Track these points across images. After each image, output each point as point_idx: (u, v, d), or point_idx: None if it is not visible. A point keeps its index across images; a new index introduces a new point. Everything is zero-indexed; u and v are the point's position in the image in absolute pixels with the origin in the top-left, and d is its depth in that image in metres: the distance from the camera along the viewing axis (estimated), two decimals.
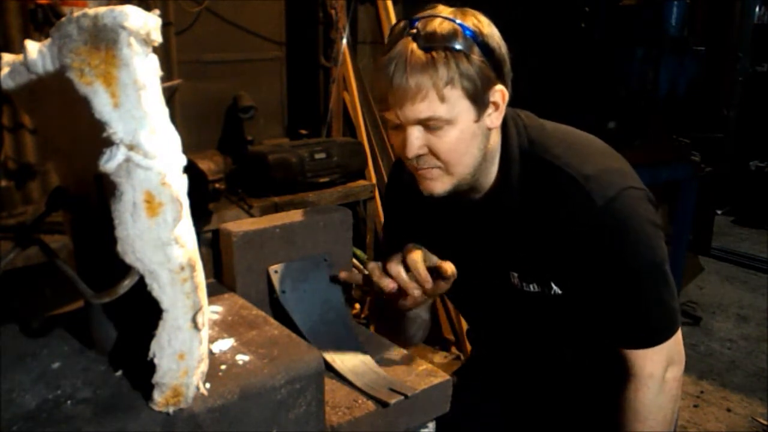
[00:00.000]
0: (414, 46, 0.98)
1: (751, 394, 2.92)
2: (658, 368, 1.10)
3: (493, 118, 1.07)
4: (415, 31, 1.00)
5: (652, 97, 3.57)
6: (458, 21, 1.00)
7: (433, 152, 1.04)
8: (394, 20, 3.16)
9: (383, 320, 1.32)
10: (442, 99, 0.99)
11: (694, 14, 3.86)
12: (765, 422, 2.71)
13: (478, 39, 1.01)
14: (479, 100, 1.02)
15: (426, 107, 0.99)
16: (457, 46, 0.98)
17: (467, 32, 1.00)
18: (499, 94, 1.05)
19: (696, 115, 4.06)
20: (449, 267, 1.03)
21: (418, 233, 1.25)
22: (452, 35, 0.99)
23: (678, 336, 1.13)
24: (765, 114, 5.15)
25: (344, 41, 3.02)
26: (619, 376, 1.14)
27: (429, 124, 1.01)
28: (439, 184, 1.08)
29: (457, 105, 1.00)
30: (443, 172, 1.07)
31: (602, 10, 3.87)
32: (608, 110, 3.66)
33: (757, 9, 4.98)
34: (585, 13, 3.99)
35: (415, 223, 1.27)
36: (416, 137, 1.03)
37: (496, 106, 1.06)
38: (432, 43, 0.98)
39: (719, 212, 5.16)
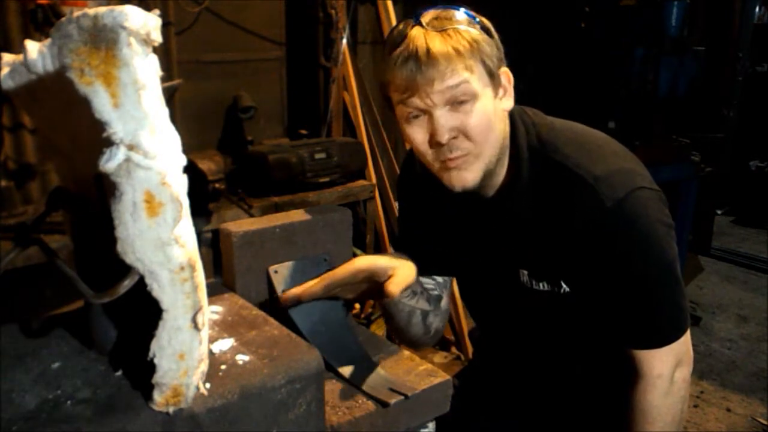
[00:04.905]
0: (427, 31, 1.02)
1: (751, 394, 2.92)
2: (667, 369, 1.10)
3: (505, 102, 1.09)
4: (424, 20, 1.03)
5: (652, 97, 3.57)
6: (456, 6, 1.05)
7: (463, 131, 1.04)
8: (394, 20, 3.16)
9: (387, 322, 1.32)
10: (470, 69, 1.01)
11: (694, 14, 3.86)
12: (765, 422, 2.71)
13: (479, 22, 1.06)
14: (495, 77, 1.05)
15: (457, 76, 1.01)
16: (463, 26, 1.02)
17: (467, 14, 1.05)
18: (505, 76, 1.09)
19: (696, 115, 4.06)
20: (390, 291, 1.02)
21: (430, 229, 1.26)
22: (456, 17, 1.04)
23: (687, 337, 1.13)
24: (765, 114, 5.15)
25: (344, 41, 3.01)
26: (624, 382, 1.13)
27: (458, 98, 1.02)
28: (470, 174, 1.07)
29: (480, 78, 1.03)
30: (474, 155, 1.06)
31: (602, 10, 3.88)
32: (608, 110, 3.66)
33: (757, 9, 4.97)
34: (585, 13, 4.00)
35: (427, 219, 1.27)
36: (446, 119, 1.03)
37: (505, 89, 1.09)
38: (442, 24, 1.02)
39: (719, 212, 5.15)
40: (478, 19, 1.06)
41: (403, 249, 1.22)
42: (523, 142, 1.12)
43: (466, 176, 1.07)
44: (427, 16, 1.04)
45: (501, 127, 1.08)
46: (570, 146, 1.10)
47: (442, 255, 1.27)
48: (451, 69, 1.00)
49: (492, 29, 1.07)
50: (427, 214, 1.27)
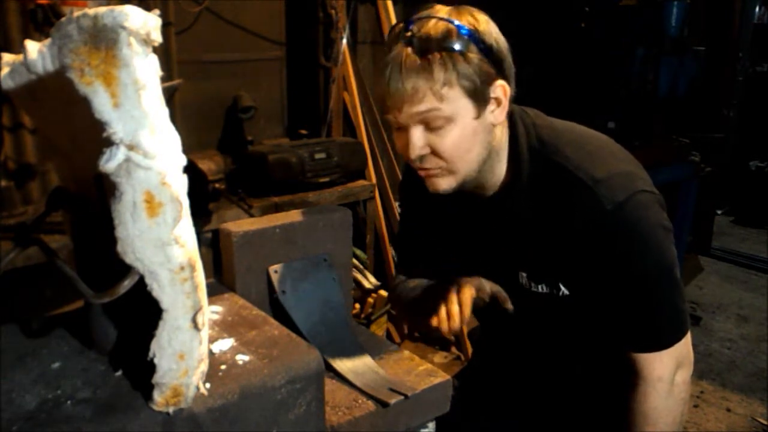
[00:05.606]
0: (409, 50, 0.99)
1: (751, 394, 2.92)
2: (667, 371, 1.10)
3: (497, 114, 1.07)
4: (410, 34, 1.00)
5: (652, 97, 3.57)
6: (454, 20, 1.00)
7: (435, 152, 1.04)
8: (394, 20, 3.16)
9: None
10: (441, 99, 0.99)
11: (694, 14, 3.86)
12: (765, 422, 2.71)
13: (474, 36, 1.00)
14: (479, 97, 1.02)
15: (425, 104, 0.99)
16: (453, 47, 0.98)
17: (463, 31, 0.99)
18: (500, 89, 1.05)
19: (696, 115, 4.06)
20: (505, 300, 1.15)
21: (430, 230, 1.26)
22: (447, 36, 0.99)
23: (687, 339, 1.13)
24: (765, 114, 5.15)
25: (344, 41, 3.01)
26: (625, 383, 1.13)
27: (429, 122, 1.01)
28: (444, 182, 1.08)
29: (456, 102, 1.00)
30: (446, 171, 1.07)
31: (602, 10, 3.88)
32: (608, 110, 3.66)
33: (757, 9, 4.97)
34: (585, 13, 3.99)
35: (428, 219, 1.27)
36: (418, 137, 1.03)
37: (498, 101, 1.06)
38: (427, 45, 0.98)
39: (719, 212, 5.15)
40: (470, 31, 1.00)
41: (402, 249, 1.22)
42: (524, 143, 1.12)
43: (439, 184, 1.09)
44: (417, 28, 1.00)
45: (484, 143, 1.07)
46: (570, 148, 1.10)
47: (443, 255, 1.28)
48: (419, 97, 0.99)
49: (488, 41, 1.01)
50: (428, 214, 1.27)
